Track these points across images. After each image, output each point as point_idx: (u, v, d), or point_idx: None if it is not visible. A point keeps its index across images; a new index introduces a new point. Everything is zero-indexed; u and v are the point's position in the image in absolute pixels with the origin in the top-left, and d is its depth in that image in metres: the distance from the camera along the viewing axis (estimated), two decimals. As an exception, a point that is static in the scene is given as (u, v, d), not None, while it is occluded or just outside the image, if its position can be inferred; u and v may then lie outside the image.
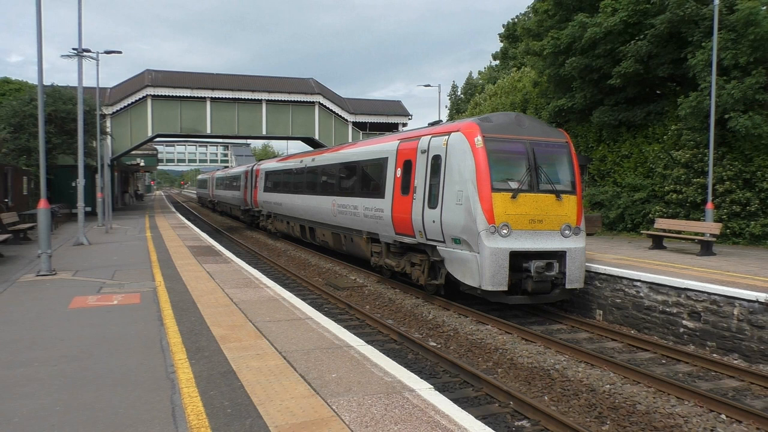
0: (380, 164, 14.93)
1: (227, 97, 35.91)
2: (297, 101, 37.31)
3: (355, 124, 39.20)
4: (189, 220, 34.36)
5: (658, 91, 21.82)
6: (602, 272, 12.13)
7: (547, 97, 26.05)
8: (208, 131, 36.49)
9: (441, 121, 16.87)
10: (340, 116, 38.62)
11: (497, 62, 49.56)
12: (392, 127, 39.88)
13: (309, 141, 39.64)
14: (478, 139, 11.19)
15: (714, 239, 14.72)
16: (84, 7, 20.52)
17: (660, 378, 8.13)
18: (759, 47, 16.40)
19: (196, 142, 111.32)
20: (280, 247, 24.39)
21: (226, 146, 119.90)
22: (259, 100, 36.60)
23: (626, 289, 11.60)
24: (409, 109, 73.94)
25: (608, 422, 7.02)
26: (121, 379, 5.53)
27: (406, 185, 13.38)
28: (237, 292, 9.83)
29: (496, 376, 8.61)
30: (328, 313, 11.45)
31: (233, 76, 38.39)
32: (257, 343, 6.73)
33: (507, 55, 45.64)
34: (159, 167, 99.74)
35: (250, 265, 14.25)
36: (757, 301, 9.25)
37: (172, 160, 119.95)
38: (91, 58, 22.45)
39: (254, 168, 31.75)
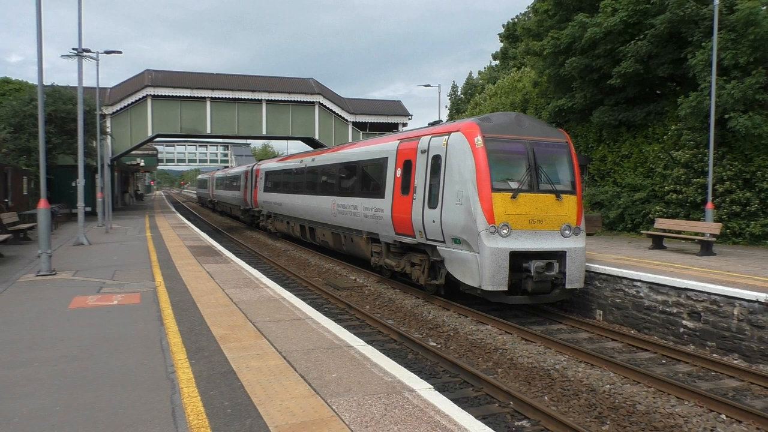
0: (380, 164, 14.93)
1: (227, 97, 35.91)
2: (297, 101, 37.31)
3: (355, 124, 39.20)
4: (189, 220, 34.36)
5: (658, 91, 21.82)
6: (602, 272, 12.13)
7: (547, 97, 26.05)
8: (208, 131, 36.49)
9: (441, 121, 16.87)
10: (340, 116, 38.62)
11: (497, 62, 49.56)
12: (392, 127, 39.88)
13: (309, 141, 39.65)
14: (478, 139, 11.19)
15: (714, 239, 14.72)
16: (84, 7, 20.55)
17: (660, 378, 8.13)
18: (759, 47, 16.40)
19: (196, 142, 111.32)
20: (280, 247, 24.39)
21: (226, 146, 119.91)
22: (259, 100, 36.60)
23: (626, 289, 11.60)
24: (409, 109, 74.00)
25: (608, 422, 7.02)
26: (121, 379, 5.53)
27: (406, 185, 13.38)
28: (237, 292, 9.84)
29: (496, 376, 8.61)
30: (328, 313, 11.45)
31: (233, 76, 38.39)
32: (257, 343, 6.73)
33: (507, 55, 45.64)
34: (159, 167, 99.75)
35: (250, 265, 14.25)
36: (757, 301, 9.25)
37: (172, 160, 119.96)
38: (91, 58, 22.45)
39: (254, 168, 31.75)
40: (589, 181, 23.06)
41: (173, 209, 44.33)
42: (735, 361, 9.32)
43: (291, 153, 37.92)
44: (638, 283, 11.33)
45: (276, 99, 36.80)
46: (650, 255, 14.51)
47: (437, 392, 5.26)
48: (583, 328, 11.35)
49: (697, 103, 17.28)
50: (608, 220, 20.99)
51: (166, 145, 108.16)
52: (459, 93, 54.55)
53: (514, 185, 11.15)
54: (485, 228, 10.77)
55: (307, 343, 6.73)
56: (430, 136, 12.82)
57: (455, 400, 5.76)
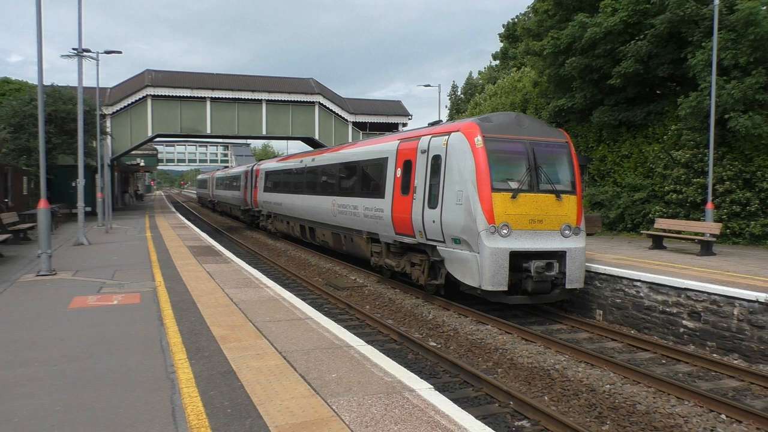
0: (380, 164, 14.93)
1: (227, 97, 35.91)
2: (297, 101, 37.31)
3: (355, 124, 39.20)
4: (189, 220, 34.36)
5: (658, 91, 21.82)
6: (602, 272, 12.12)
7: (547, 97, 26.05)
8: (208, 131, 36.50)
9: (441, 121, 16.87)
10: (340, 116, 38.62)
11: (497, 62, 49.57)
12: (392, 127, 39.88)
13: (309, 141, 39.65)
14: (478, 139, 11.19)
15: (714, 239, 14.72)
16: (84, 7, 20.56)
17: (660, 378, 8.13)
18: (759, 47, 16.40)
19: (196, 142, 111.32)
20: (280, 247, 24.39)
21: (226, 146, 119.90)
22: (259, 100, 36.60)
23: (626, 289, 11.60)
24: (409, 109, 73.99)
25: (608, 422, 7.02)
26: (121, 379, 5.53)
27: (406, 185, 13.38)
28: (237, 292, 9.84)
29: (496, 376, 8.61)
30: (328, 313, 11.45)
31: (233, 76, 38.39)
32: (257, 343, 6.73)
33: (507, 55, 45.64)
34: (159, 167, 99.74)
35: (250, 265, 14.25)
36: (757, 301, 9.25)
37: (172, 160, 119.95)
38: (91, 58, 22.45)
39: (254, 168, 31.76)
40: (589, 181, 23.06)
41: (173, 209, 44.33)
42: (735, 361, 9.32)
43: (291, 153, 37.93)
44: (638, 283, 11.33)
45: (276, 99, 36.80)
46: (650, 255, 14.51)
47: (437, 392, 5.26)
48: (583, 328, 11.34)
49: (697, 103, 17.28)
50: (608, 220, 20.99)
51: (166, 145, 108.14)
52: (459, 93, 54.56)
53: (514, 185, 11.15)
54: (485, 228, 10.77)
55: (307, 343, 6.73)
56: (430, 136, 12.82)
57: (455, 400, 5.76)
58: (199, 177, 76.70)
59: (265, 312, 8.35)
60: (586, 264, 12.08)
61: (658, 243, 15.93)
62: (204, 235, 20.99)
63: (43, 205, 12.02)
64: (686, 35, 18.42)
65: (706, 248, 14.45)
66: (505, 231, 10.85)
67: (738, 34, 16.70)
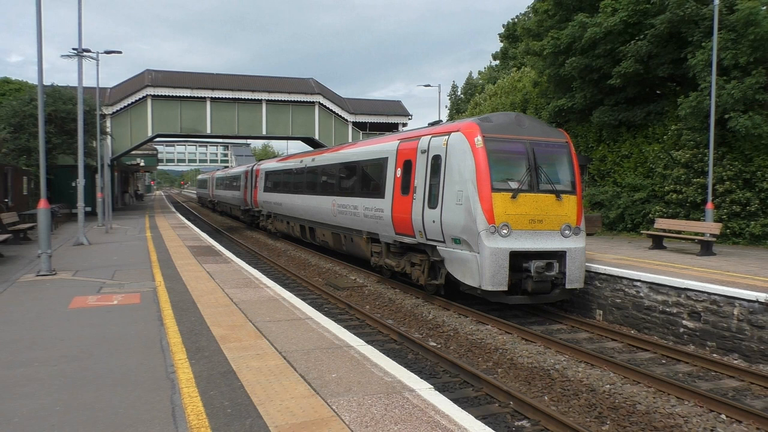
0: (380, 164, 14.93)
1: (227, 97, 35.91)
2: (297, 101, 37.31)
3: (355, 124, 39.20)
4: (189, 220, 34.36)
5: (658, 91, 21.83)
6: (602, 272, 12.12)
7: (547, 97, 26.05)
8: (208, 131, 36.50)
9: (441, 121, 16.86)
10: (340, 116, 38.62)
11: (497, 62, 49.57)
12: (392, 127, 39.88)
13: (309, 141, 39.65)
14: (478, 139, 11.19)
15: (714, 239, 14.72)
16: (84, 7, 20.56)
17: (660, 378, 8.13)
18: (759, 47, 16.40)
19: (196, 142, 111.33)
20: (280, 247, 24.39)
21: (226, 146, 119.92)
22: (259, 100, 36.60)
23: (626, 289, 11.60)
24: (409, 109, 73.99)
25: (608, 422, 7.02)
26: (121, 379, 5.53)
27: (406, 185, 13.38)
28: (237, 292, 9.84)
29: (496, 376, 8.61)
30: (328, 313, 11.45)
31: (233, 76, 38.39)
32: (257, 343, 6.73)
33: (507, 55, 45.65)
34: (159, 167, 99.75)
35: (250, 265, 14.25)
36: (757, 301, 9.25)
37: (172, 160, 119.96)
38: (91, 58, 22.46)
39: (254, 168, 31.76)
40: (589, 181, 23.06)
41: (173, 209, 44.33)
42: (735, 361, 9.32)
43: (291, 153, 37.93)
44: (638, 283, 11.33)
45: (276, 99, 36.80)
46: (650, 255, 14.51)
47: (437, 392, 5.26)
48: (583, 328, 11.35)
49: (697, 103, 17.28)
50: (608, 220, 20.99)
51: (166, 145, 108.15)
52: (459, 93, 54.56)
53: (514, 185, 11.15)
54: (485, 228, 10.77)
55: (307, 343, 6.73)
56: (430, 136, 12.82)
57: (455, 400, 5.76)
58: (199, 177, 76.72)
59: (265, 312, 8.36)
60: (586, 264, 12.08)
61: (658, 243, 15.93)
62: (204, 235, 20.99)
63: (43, 205, 12.02)
64: (686, 35, 18.42)
65: (706, 248, 14.45)
66: (505, 231, 10.85)
67: (738, 34, 16.70)
